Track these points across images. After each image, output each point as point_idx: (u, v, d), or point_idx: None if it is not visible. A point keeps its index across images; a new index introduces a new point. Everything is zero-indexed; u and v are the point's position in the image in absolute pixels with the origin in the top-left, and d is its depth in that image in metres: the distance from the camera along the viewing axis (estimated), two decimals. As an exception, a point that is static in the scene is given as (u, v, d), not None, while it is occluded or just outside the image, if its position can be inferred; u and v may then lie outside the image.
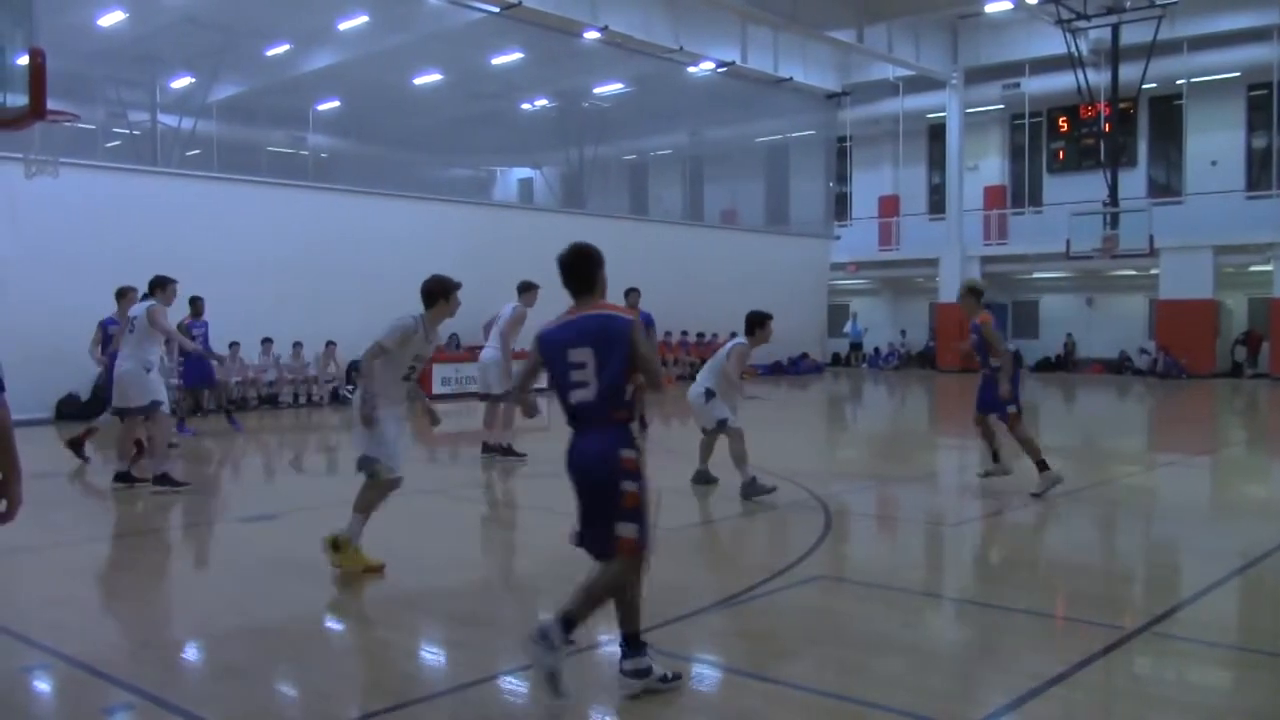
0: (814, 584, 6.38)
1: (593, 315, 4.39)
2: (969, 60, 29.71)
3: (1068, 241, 26.65)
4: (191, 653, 5.31)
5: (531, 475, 11.51)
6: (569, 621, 4.19)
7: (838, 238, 32.66)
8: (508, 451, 11.44)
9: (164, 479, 9.49)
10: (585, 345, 4.28)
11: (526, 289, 11.62)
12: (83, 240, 15.95)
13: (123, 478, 9.71)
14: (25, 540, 7.56)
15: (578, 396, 4.31)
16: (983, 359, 9.38)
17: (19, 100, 6.89)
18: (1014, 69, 29.24)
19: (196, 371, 14.49)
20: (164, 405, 9.66)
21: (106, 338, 12.02)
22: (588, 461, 4.32)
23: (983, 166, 31.68)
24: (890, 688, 4.54)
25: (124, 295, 11.15)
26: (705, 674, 4.82)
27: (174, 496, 9.28)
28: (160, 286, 9.81)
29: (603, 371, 4.24)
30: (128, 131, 22.16)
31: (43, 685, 4.59)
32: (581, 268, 4.49)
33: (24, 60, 6.84)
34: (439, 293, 6.74)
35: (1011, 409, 9.19)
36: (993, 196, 31.20)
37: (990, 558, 7.73)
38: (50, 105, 6.86)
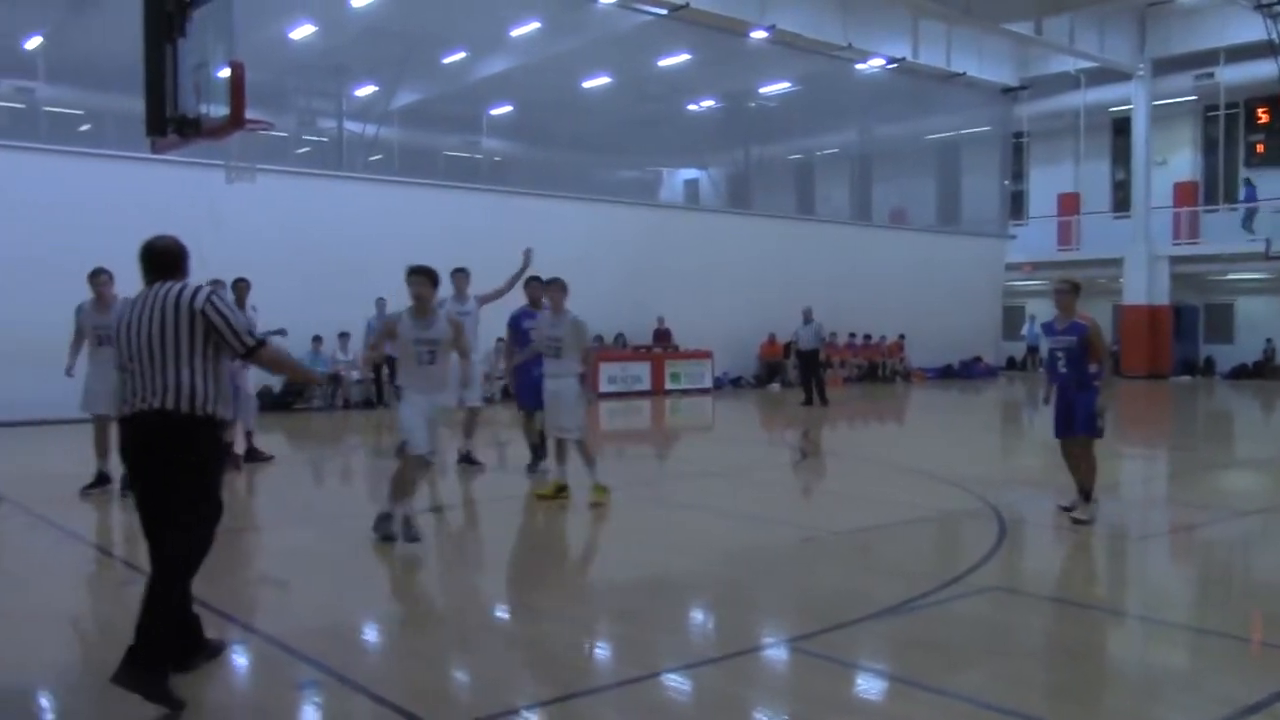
0: (987, 594, 6.17)
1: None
2: (1158, 50, 28.12)
3: (1267, 241, 24.94)
4: (373, 634, 5.56)
5: (693, 475, 11.56)
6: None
7: (1013, 237, 31.52)
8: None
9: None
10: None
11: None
12: (276, 242, 16.90)
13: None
14: (229, 523, 8.08)
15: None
16: (1078, 369, 8.12)
17: (221, 111, 7.32)
18: (1207, 58, 27.46)
19: None
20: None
21: None
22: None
23: (1172, 161, 29.94)
24: (1067, 705, 4.36)
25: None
26: (874, 682, 4.73)
27: (359, 483, 9.60)
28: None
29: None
30: (317, 138, 23.32)
31: (241, 659, 4.89)
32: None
33: (225, 73, 7.25)
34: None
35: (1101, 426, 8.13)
36: (1183, 193, 29.47)
37: (1179, 574, 7.31)
38: (248, 115, 7.24)
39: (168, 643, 4.20)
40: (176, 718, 4.06)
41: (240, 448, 10.80)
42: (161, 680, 4.10)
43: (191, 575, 4.41)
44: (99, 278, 9.10)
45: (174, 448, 4.32)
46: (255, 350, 4.50)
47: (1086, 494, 8.12)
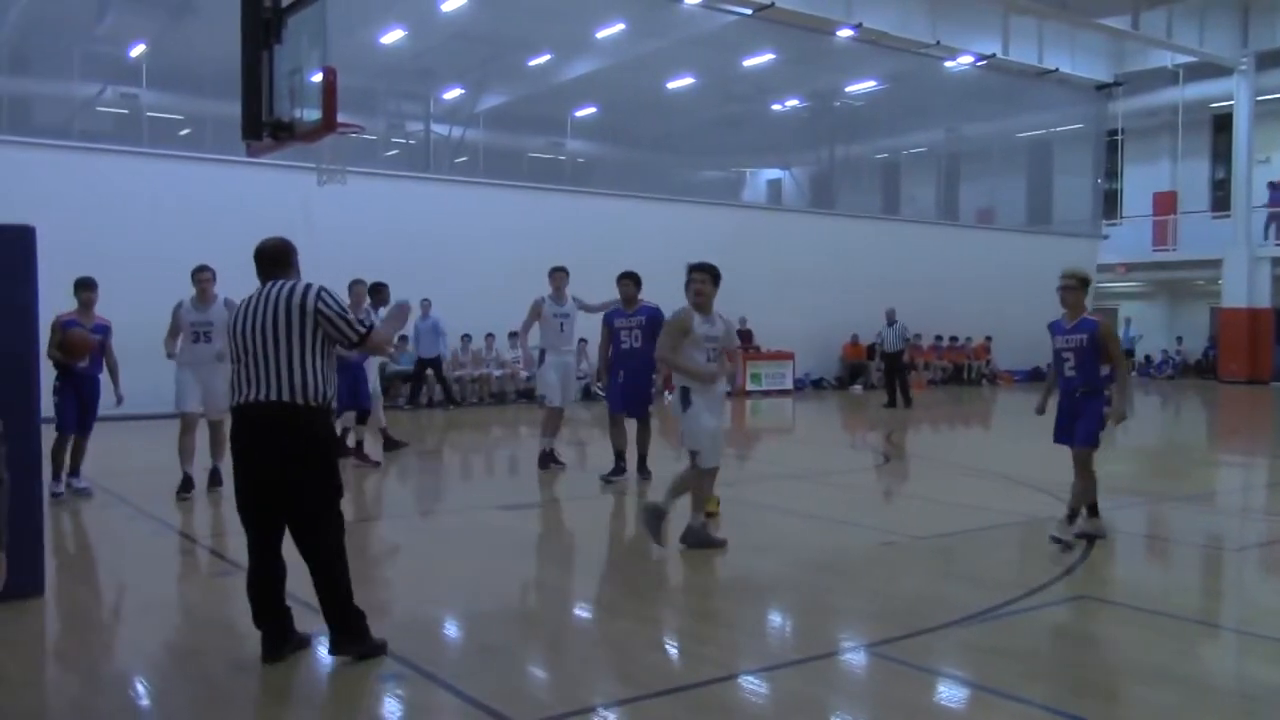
0: (1074, 604, 6.04)
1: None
2: (1262, 43, 27.12)
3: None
4: (455, 630, 5.65)
5: (774, 477, 11.50)
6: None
7: (1106, 237, 30.72)
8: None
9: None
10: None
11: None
12: (365, 242, 17.24)
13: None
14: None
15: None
16: (1087, 372, 7.35)
17: (314, 115, 7.50)
18: (1315, 51, 26.49)
19: None
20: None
21: None
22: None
23: (1276, 159, 28.88)
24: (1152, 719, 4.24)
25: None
26: (953, 689, 4.66)
27: (442, 482, 9.78)
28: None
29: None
30: (404, 141, 23.74)
31: (325, 650, 5.00)
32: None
33: (318, 78, 7.43)
34: None
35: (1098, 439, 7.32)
36: (1288, 192, 28.43)
37: (1278, 588, 7.05)
38: (340, 119, 7.39)
39: (353, 610, 4.78)
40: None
41: (351, 440, 11.52)
42: (367, 638, 4.79)
43: (343, 554, 4.78)
44: (202, 274, 9.16)
45: (291, 438, 4.64)
46: (364, 338, 4.81)
47: (1073, 513, 7.36)
